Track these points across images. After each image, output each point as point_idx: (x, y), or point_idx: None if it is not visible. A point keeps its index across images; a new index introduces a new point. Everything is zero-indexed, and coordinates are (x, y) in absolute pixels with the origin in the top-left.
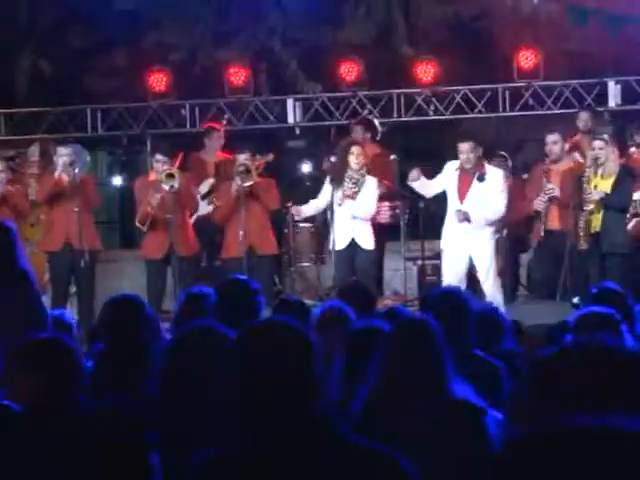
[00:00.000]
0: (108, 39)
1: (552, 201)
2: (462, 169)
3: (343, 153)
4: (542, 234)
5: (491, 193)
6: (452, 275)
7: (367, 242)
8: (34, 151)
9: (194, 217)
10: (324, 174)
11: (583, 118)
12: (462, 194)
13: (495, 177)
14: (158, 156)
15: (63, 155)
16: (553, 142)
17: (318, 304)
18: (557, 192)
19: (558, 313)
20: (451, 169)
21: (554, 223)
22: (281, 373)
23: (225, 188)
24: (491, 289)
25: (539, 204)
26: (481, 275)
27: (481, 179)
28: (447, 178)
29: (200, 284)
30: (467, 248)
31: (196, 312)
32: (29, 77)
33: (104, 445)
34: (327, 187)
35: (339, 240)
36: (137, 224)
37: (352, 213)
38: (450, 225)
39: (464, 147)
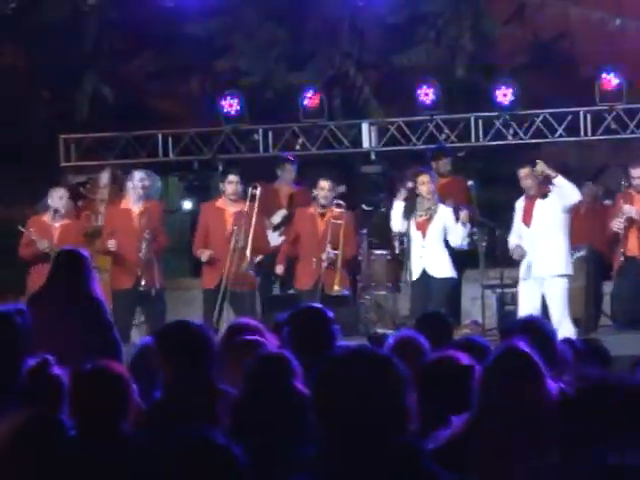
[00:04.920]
0: (180, 63)
1: (631, 224)
2: (526, 195)
3: (413, 182)
4: (622, 259)
5: (557, 201)
6: (529, 304)
7: (440, 270)
8: (104, 177)
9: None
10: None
11: None
12: (527, 219)
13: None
14: (231, 176)
15: (139, 180)
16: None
17: (393, 333)
18: (635, 214)
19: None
20: (519, 204)
21: (634, 249)
22: (369, 403)
23: (297, 221)
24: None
25: (616, 224)
26: (553, 310)
27: (544, 196)
28: (517, 212)
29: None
30: (540, 280)
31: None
32: (90, 102)
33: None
34: (397, 212)
35: (413, 270)
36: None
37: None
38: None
39: (522, 173)
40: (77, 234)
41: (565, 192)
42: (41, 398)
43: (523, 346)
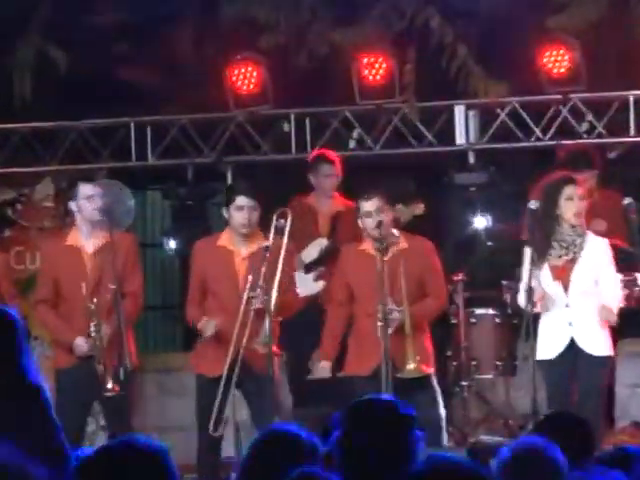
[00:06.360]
0: (164, 13)
1: None
2: None
3: (551, 197)
4: None
5: None
6: None
7: (598, 345)
8: (45, 191)
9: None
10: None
11: None
12: None
13: None
14: (240, 199)
15: (86, 197)
16: None
17: (507, 442)
18: None
19: None
20: None
21: None
22: None
23: (344, 261)
24: None
25: None
26: None
27: None
28: None
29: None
30: None
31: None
32: (34, 74)
33: None
34: (527, 254)
35: (549, 342)
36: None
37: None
38: None
39: None
40: (5, 279)
41: None
42: None
43: None
